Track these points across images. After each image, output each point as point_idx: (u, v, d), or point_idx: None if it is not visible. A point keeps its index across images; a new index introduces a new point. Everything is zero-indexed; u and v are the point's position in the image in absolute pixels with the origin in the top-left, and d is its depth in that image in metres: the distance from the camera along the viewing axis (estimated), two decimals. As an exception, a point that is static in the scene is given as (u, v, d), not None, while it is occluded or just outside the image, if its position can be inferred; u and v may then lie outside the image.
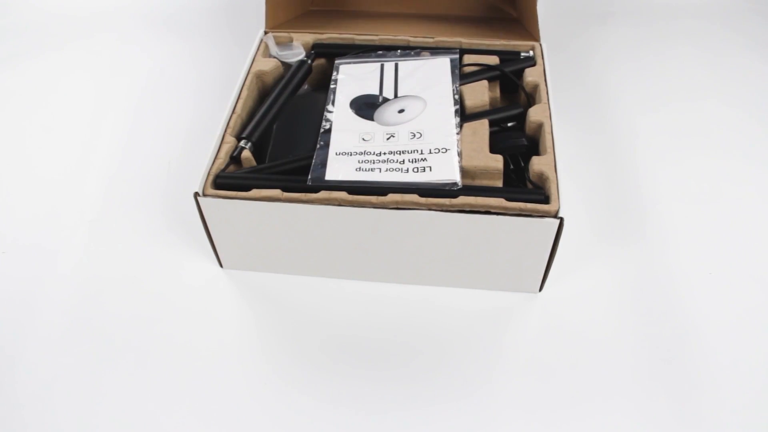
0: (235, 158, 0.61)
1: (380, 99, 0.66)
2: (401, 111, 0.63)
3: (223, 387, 0.57)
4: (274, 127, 0.68)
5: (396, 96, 0.66)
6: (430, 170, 0.57)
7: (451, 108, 0.63)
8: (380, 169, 0.58)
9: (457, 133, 0.60)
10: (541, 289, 0.63)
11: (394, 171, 0.57)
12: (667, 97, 0.87)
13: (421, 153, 0.59)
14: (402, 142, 0.60)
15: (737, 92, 0.88)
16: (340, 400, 0.56)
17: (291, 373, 0.58)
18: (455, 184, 0.56)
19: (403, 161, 0.58)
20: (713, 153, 0.78)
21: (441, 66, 0.68)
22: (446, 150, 0.58)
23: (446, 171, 0.57)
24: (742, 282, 0.64)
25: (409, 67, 0.69)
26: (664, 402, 0.55)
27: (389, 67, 0.69)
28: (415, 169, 0.58)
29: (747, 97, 0.87)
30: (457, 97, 0.63)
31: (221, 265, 0.66)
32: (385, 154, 0.59)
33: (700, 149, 0.79)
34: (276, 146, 0.65)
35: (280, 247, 0.62)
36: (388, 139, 0.61)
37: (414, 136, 0.60)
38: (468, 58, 0.71)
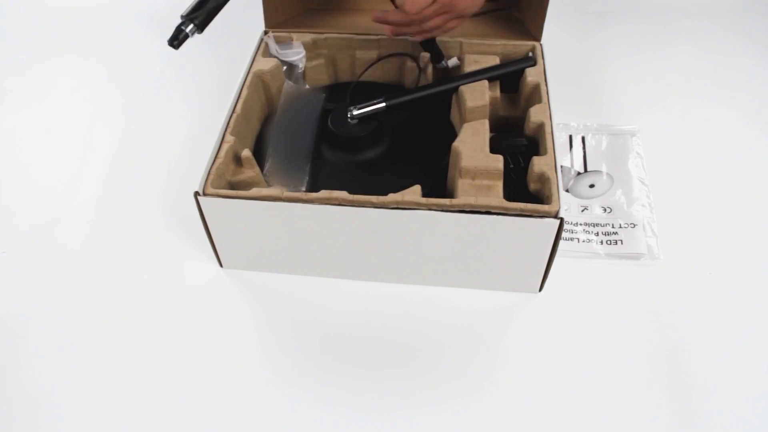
0: (178, 41, 0.59)
1: (572, 172, 0.74)
2: (592, 186, 0.72)
3: (223, 386, 0.57)
4: (274, 126, 0.68)
5: (586, 170, 0.74)
6: (621, 243, 0.65)
7: (636, 184, 0.71)
8: (578, 239, 0.67)
9: (643, 206, 0.69)
10: (541, 289, 0.63)
11: (590, 242, 0.67)
12: (667, 96, 0.87)
13: (612, 227, 0.67)
14: (595, 214, 0.69)
15: (737, 92, 0.88)
16: (340, 399, 0.56)
17: (291, 372, 0.58)
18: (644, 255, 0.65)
19: (597, 233, 0.67)
20: (713, 152, 0.78)
21: (624, 143, 0.76)
22: (634, 225, 0.66)
23: (635, 245, 0.65)
24: (742, 282, 0.64)
25: (593, 141, 0.78)
26: (665, 402, 0.55)
27: (577, 141, 0.77)
28: (608, 242, 0.66)
29: (747, 96, 0.87)
30: (643, 174, 0.72)
31: (221, 265, 0.66)
32: (580, 224, 0.68)
33: (699, 148, 0.79)
34: (275, 146, 0.66)
35: (280, 247, 0.62)
36: (582, 211, 0.69)
37: (605, 210, 0.69)
38: (469, 59, 0.71)
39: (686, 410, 0.54)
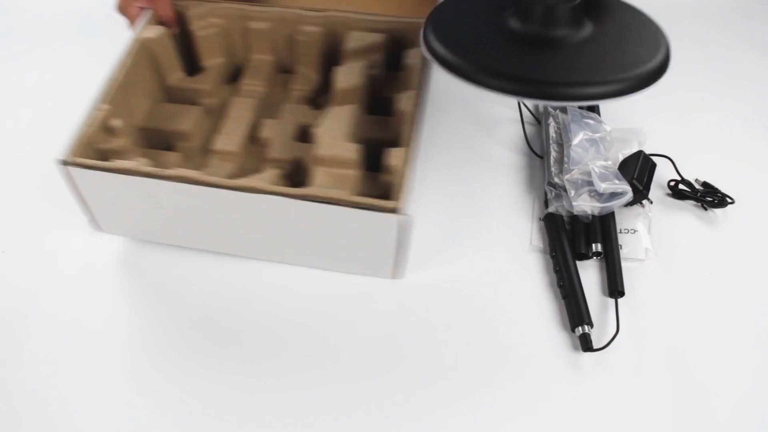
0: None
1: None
2: None
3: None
4: None
5: None
6: (621, 248, 0.65)
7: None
8: None
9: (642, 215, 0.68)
10: (398, 276, 0.64)
11: None
12: (667, 97, 0.81)
13: None
14: None
15: (737, 93, 0.84)
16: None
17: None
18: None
19: None
20: (712, 153, 0.76)
21: (631, 148, 0.73)
22: (635, 231, 0.65)
23: (634, 251, 0.65)
24: (742, 282, 0.64)
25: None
26: (664, 402, 0.56)
27: None
28: None
29: (748, 98, 0.83)
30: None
31: (101, 230, 0.67)
32: None
33: (699, 149, 0.76)
34: None
35: (151, 218, 0.63)
36: None
37: None
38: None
39: (686, 410, 0.55)
